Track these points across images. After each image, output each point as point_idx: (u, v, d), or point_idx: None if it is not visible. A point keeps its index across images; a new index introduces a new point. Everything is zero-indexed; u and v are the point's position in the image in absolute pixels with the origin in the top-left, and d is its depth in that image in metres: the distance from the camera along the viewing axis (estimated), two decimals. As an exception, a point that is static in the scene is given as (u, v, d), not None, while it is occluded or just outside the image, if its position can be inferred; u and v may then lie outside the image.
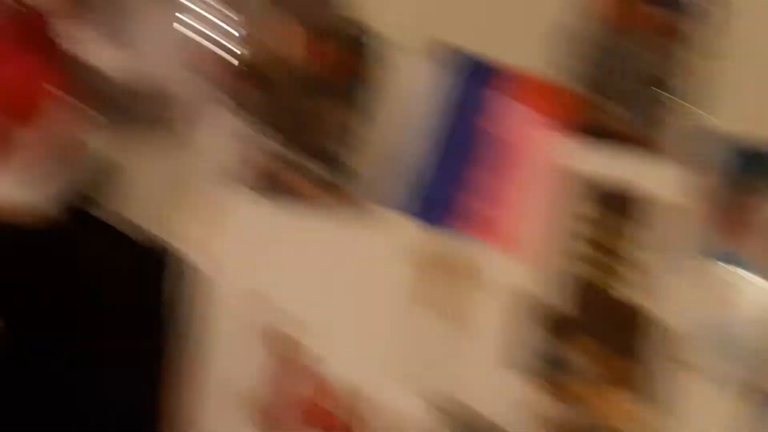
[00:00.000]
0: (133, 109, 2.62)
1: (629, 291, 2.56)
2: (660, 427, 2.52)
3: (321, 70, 2.65)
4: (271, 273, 2.61)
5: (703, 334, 2.53)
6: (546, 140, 2.64)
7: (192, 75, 2.64)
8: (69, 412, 2.39)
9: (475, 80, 2.67)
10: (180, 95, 2.64)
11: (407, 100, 2.66)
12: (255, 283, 2.60)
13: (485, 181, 2.63)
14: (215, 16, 2.67)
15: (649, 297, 2.56)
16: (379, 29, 2.66)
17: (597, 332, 2.55)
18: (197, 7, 2.67)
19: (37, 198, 2.47)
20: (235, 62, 2.66)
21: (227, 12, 2.67)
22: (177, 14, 2.66)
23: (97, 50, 2.58)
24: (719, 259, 2.56)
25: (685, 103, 2.61)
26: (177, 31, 2.66)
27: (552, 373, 2.55)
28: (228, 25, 2.67)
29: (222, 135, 2.66)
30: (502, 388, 2.56)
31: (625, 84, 2.63)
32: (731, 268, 2.55)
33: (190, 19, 2.67)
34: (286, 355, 2.58)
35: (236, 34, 2.67)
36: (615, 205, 2.59)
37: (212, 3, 2.67)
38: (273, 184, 2.64)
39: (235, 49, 2.66)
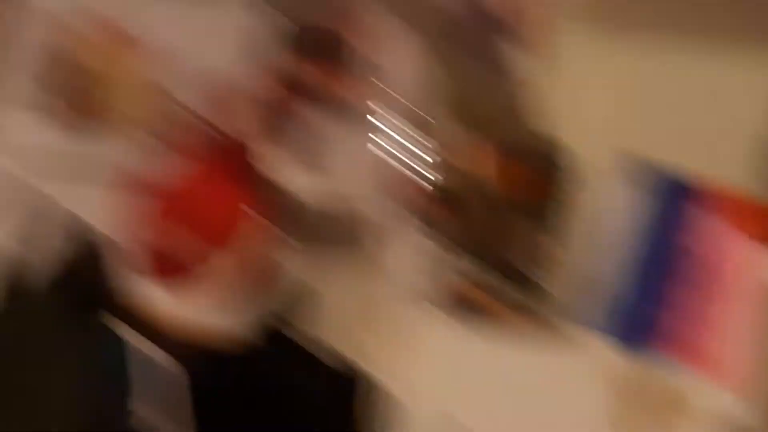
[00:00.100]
0: (326, 231, 2.64)
1: None
2: None
3: (513, 190, 2.62)
4: (463, 396, 2.55)
5: None
6: (750, 258, 2.51)
7: (384, 197, 2.64)
8: None
9: (673, 196, 2.58)
10: (372, 217, 2.64)
11: (603, 219, 2.59)
12: (447, 407, 2.54)
13: (688, 302, 2.51)
14: (407, 139, 2.68)
15: None
16: (572, 147, 2.61)
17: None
18: (390, 130, 2.68)
19: (233, 322, 2.50)
20: (427, 183, 2.65)
21: (419, 134, 2.67)
22: (370, 137, 2.68)
23: (291, 174, 2.62)
24: None
25: None
26: (370, 154, 2.67)
27: None
28: (420, 146, 2.67)
29: (413, 257, 2.64)
30: None
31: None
32: None
33: (382, 142, 2.68)
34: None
35: (428, 155, 2.67)
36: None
37: (404, 126, 2.68)
38: (465, 306, 2.60)
39: (426, 171, 2.66)
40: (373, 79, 2.75)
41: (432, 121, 2.68)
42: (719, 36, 2.58)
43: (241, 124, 2.58)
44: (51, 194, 2.76)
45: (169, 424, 2.46)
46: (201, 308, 2.49)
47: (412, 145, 2.67)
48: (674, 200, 2.56)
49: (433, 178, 2.64)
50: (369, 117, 2.70)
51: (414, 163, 2.66)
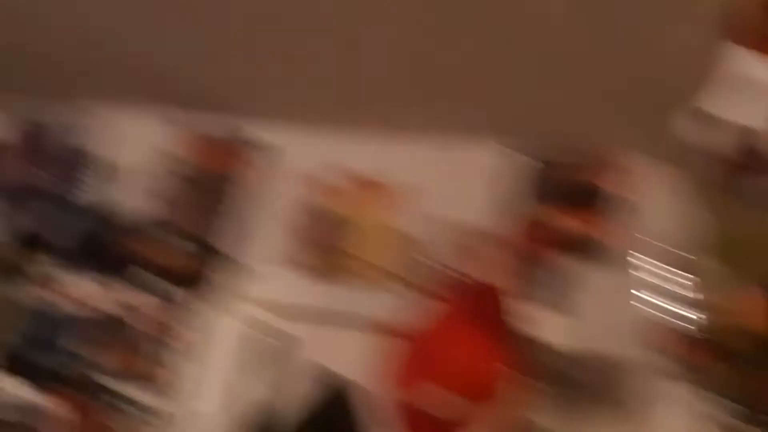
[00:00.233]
0: (582, 383, 2.52)
1: None
2: None
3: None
4: None
5: None
6: None
7: (645, 347, 2.49)
8: None
9: None
10: (632, 368, 2.50)
11: None
12: None
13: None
14: (668, 283, 2.53)
15: None
16: None
17: None
18: (649, 273, 2.55)
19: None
20: (689, 328, 2.48)
21: (681, 277, 2.52)
22: (627, 281, 2.56)
23: (544, 324, 2.52)
24: None
25: None
26: (628, 298, 2.55)
27: None
28: (682, 290, 2.52)
29: (678, 410, 2.46)
30: None
31: None
32: None
33: (641, 286, 2.55)
34: None
35: (690, 299, 2.50)
36: None
37: (664, 269, 2.54)
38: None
39: (689, 315, 2.49)
40: (629, 222, 2.63)
41: (694, 263, 2.52)
42: None
43: (492, 272, 2.52)
44: (302, 342, 2.88)
45: None
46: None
47: (673, 288, 2.52)
48: None
49: (696, 323, 2.46)
50: (626, 260, 2.58)
51: (675, 308, 2.50)
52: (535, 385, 2.49)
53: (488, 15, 2.22)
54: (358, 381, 2.74)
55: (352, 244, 2.93)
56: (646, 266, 2.59)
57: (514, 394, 2.44)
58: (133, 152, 3.23)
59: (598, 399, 2.52)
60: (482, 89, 2.56)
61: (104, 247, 3.17)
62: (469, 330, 2.47)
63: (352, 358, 2.71)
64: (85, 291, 3.14)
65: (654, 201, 2.65)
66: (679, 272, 2.54)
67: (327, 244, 2.95)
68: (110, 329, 3.08)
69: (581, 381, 2.53)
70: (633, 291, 2.58)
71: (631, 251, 2.62)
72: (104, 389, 3.00)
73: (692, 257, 2.54)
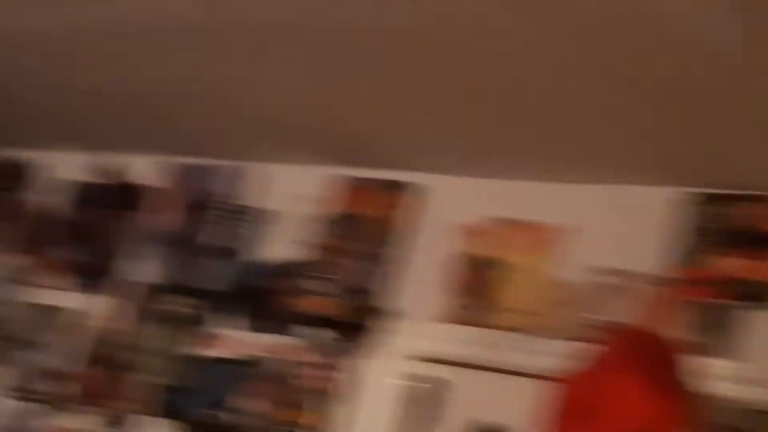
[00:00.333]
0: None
1: None
2: None
3: None
4: None
5: None
6: None
7: None
8: None
9: None
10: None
11: None
12: None
13: None
14: None
15: None
16: None
17: None
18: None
19: None
20: None
21: None
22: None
23: (712, 373, 2.42)
24: None
25: None
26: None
27: None
28: None
29: None
30: None
31: None
32: None
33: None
34: None
35: None
36: None
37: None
38: None
39: None
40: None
41: None
42: None
43: (655, 319, 2.44)
44: (455, 388, 2.85)
45: None
46: None
47: None
48: None
49: None
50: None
51: None
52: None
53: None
54: (512, 427, 2.69)
55: (506, 289, 2.90)
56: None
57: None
58: (285, 200, 3.27)
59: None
60: (643, 134, 2.51)
61: (257, 295, 3.21)
62: (629, 377, 2.39)
63: (506, 404, 2.67)
64: (237, 338, 3.18)
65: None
66: None
67: (480, 290, 2.91)
68: (261, 376, 3.10)
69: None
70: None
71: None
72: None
73: None
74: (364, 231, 3.14)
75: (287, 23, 2.33)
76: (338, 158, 3.16)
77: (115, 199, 3.61)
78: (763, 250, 2.60)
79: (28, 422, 3.45)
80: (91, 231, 3.61)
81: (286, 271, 3.18)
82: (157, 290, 3.39)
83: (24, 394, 3.51)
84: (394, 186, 3.14)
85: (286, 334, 3.11)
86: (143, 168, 3.56)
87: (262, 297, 3.19)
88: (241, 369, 3.13)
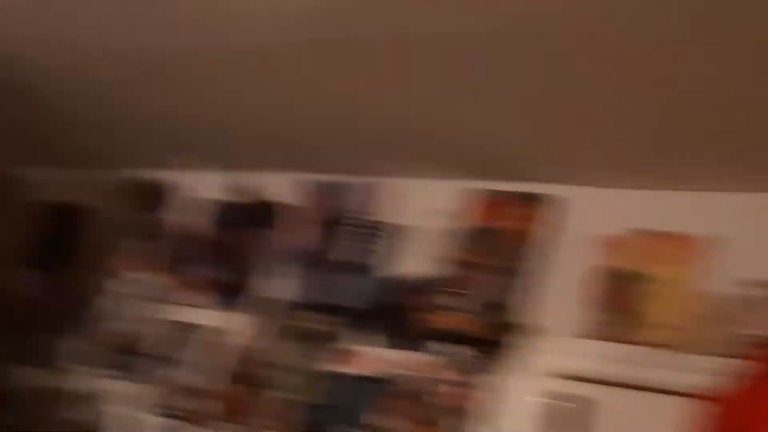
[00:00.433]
0: None
1: None
2: None
3: None
4: None
5: None
6: None
7: None
8: None
9: None
10: None
11: None
12: None
13: None
14: None
15: None
16: None
17: None
18: None
19: None
20: None
21: None
22: None
23: None
24: None
25: None
26: None
27: None
28: None
29: None
30: None
31: None
32: None
33: None
34: None
35: None
36: None
37: None
38: None
39: None
40: None
41: None
42: None
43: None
44: (600, 406, 2.76)
45: None
46: None
47: None
48: None
49: None
50: None
51: None
52: None
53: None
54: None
55: (650, 303, 2.79)
56: None
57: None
58: (419, 215, 3.24)
59: None
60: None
61: (393, 311, 3.18)
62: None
63: (653, 423, 2.57)
64: (373, 355, 3.16)
65: None
66: None
67: (623, 305, 2.82)
68: (397, 394, 3.07)
69: None
70: None
71: None
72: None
73: None
74: (500, 245, 3.07)
75: (418, 33, 2.31)
76: (472, 172, 3.11)
77: (251, 217, 3.65)
78: None
79: (173, 438, 3.53)
80: (229, 249, 3.66)
81: (422, 287, 3.15)
82: (293, 307, 3.40)
83: (168, 410, 3.58)
84: (531, 198, 3.06)
85: (422, 351, 3.07)
86: (278, 186, 3.59)
87: (397, 313, 3.16)
88: (378, 386, 3.11)
